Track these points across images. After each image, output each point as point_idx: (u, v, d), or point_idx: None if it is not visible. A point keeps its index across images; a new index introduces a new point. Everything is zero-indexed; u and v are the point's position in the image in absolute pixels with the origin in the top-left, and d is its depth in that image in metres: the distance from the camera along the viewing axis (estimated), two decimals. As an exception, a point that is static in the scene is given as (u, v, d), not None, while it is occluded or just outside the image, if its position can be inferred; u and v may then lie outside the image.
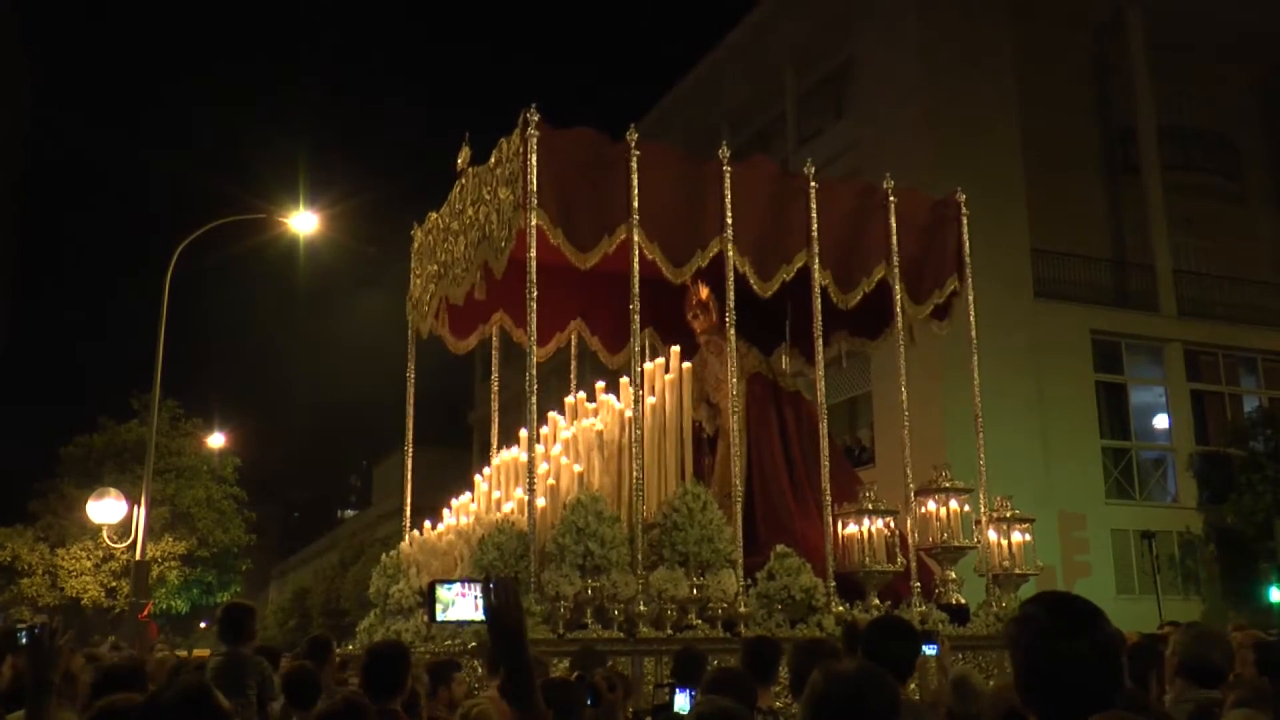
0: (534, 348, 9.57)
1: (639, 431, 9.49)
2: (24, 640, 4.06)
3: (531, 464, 9.24)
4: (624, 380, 9.95)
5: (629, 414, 9.66)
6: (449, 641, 9.01)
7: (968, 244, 11.64)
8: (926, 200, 11.80)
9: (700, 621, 9.09)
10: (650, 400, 10.12)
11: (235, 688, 7.34)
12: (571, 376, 12.69)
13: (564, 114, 9.73)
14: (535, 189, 9.22)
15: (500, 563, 8.83)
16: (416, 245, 12.11)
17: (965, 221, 11.65)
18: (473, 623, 3.15)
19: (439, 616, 3.18)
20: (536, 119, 9.36)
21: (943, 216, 11.67)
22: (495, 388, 12.69)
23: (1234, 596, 24.58)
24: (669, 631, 8.90)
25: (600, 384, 10.71)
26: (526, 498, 9.17)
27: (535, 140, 9.30)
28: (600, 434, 10.09)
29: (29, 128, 53.52)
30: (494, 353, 12.62)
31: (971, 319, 11.60)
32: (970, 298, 11.57)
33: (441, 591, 3.16)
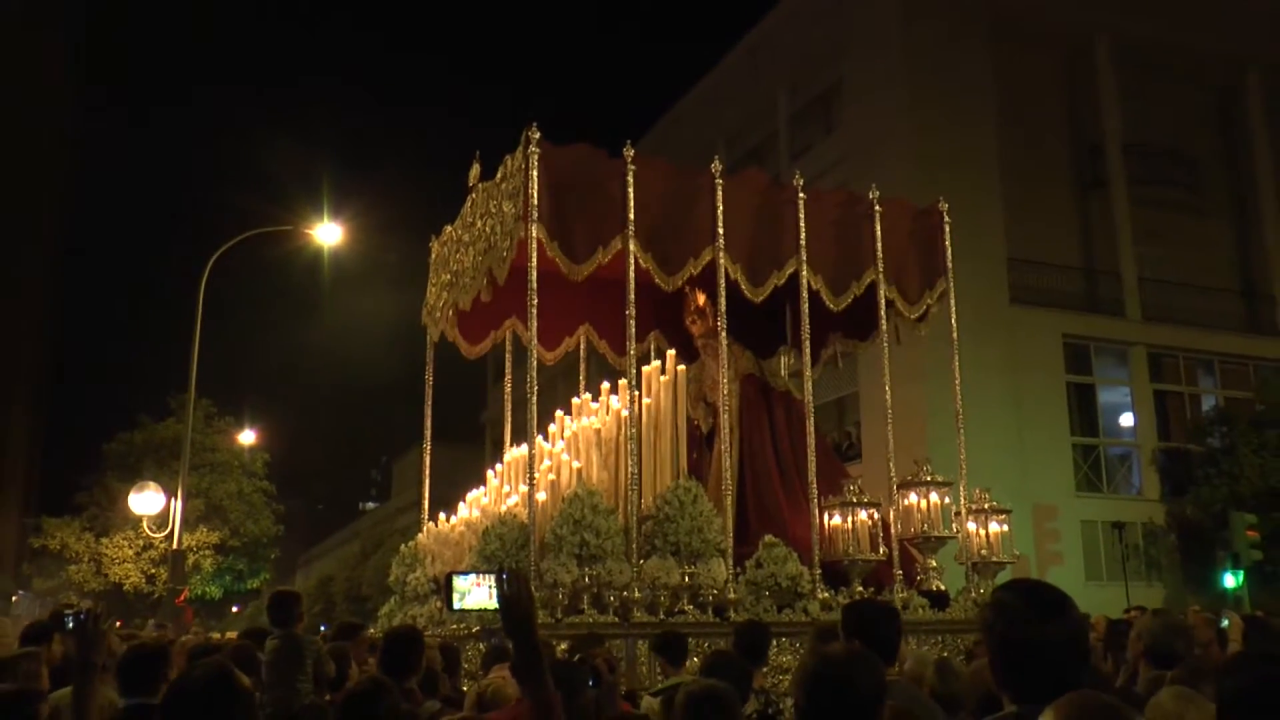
0: (534, 351, 9.46)
1: (634, 430, 9.41)
2: (70, 625, 4.13)
3: (532, 460, 9.13)
4: (622, 382, 9.92)
5: (625, 413, 9.66)
6: (454, 626, 9.00)
7: (950, 250, 11.63)
8: (911, 208, 11.70)
9: (691, 607, 8.99)
10: (646, 400, 10.10)
11: (296, 664, 7.34)
12: (580, 378, 12.65)
13: (571, 133, 9.67)
14: (535, 202, 9.16)
15: (502, 552, 8.74)
16: (433, 256, 12.08)
17: (948, 229, 11.65)
18: (487, 610, 3.16)
19: (456, 605, 3.19)
20: (537, 136, 9.26)
21: (926, 224, 11.61)
22: (508, 388, 12.66)
23: (1193, 582, 24.58)
24: (661, 616, 8.80)
25: (606, 385, 10.67)
26: (528, 491, 9.12)
27: (536, 157, 9.21)
28: (598, 432, 10.00)
29: (76, 146, 53.58)
30: (506, 356, 12.59)
31: (953, 322, 11.57)
32: (952, 302, 11.56)
33: (458, 582, 3.17)
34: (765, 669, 6.84)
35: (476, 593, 3.14)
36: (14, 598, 38.83)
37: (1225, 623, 7.91)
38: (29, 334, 42.88)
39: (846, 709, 2.84)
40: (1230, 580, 21.39)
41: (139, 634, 11.75)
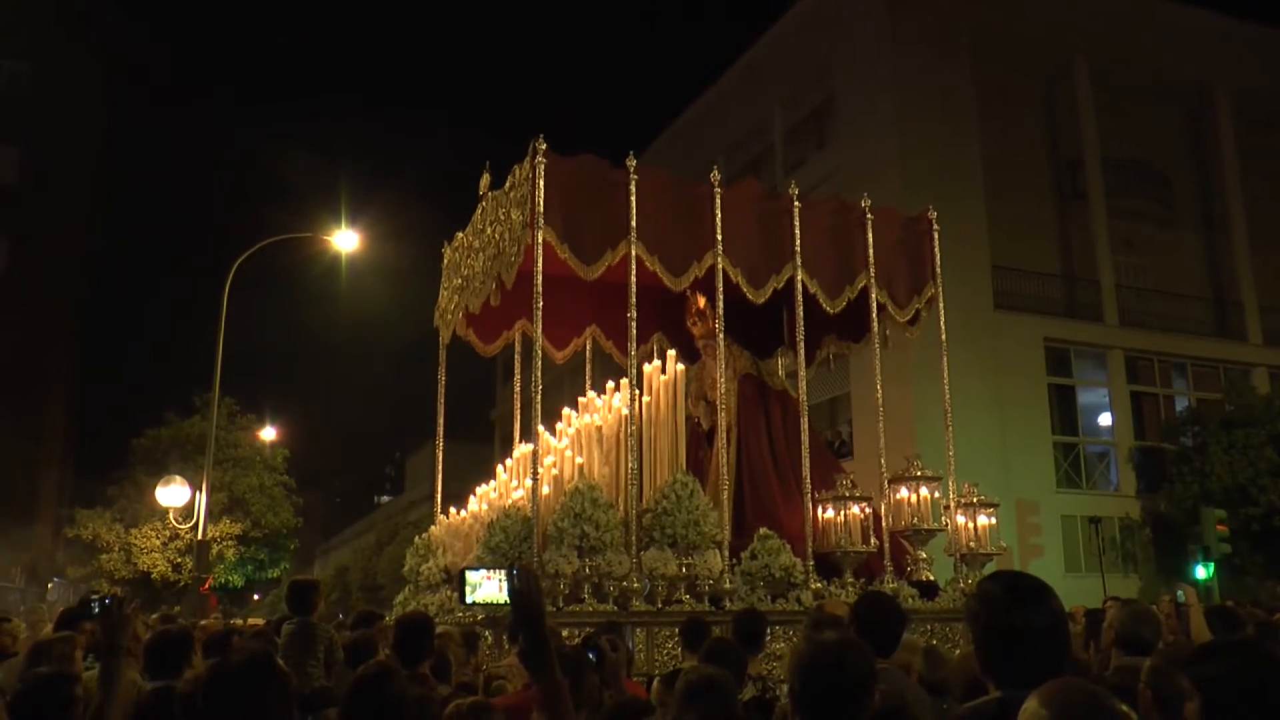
0: (539, 352, 9.39)
1: (634, 427, 9.35)
2: (96, 610, 4.15)
3: (535, 456, 9.10)
4: (623, 380, 9.89)
5: (626, 411, 9.63)
6: (460, 614, 8.97)
7: (938, 257, 11.60)
8: (900, 217, 11.62)
9: (688, 596, 8.94)
10: (646, 399, 10.07)
11: (308, 651, 7.33)
12: (587, 376, 12.65)
13: (577, 147, 9.69)
14: (542, 210, 9.10)
15: (506, 544, 8.71)
16: (446, 262, 12.05)
17: (936, 236, 11.58)
18: (497, 604, 3.15)
19: (468, 598, 3.16)
20: (543, 148, 9.24)
21: (915, 231, 11.54)
22: (516, 387, 12.61)
23: (1166, 574, 24.52)
24: (659, 606, 8.79)
25: (611, 384, 10.66)
26: (531, 486, 9.06)
27: (543, 167, 9.19)
28: (599, 429, 9.94)
29: (110, 158, 53.54)
30: (516, 356, 12.54)
31: (941, 325, 11.53)
32: (940, 307, 11.50)
33: (470, 576, 3.15)
34: (761, 656, 6.81)
35: (487, 586, 3.13)
36: (49, 585, 38.88)
37: (1181, 596, 7.82)
38: (63, 336, 42.92)
39: (838, 694, 2.83)
40: (1201, 572, 21.36)
41: (150, 620, 11.73)
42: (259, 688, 2.95)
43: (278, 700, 2.98)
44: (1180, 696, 2.53)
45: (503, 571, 3.09)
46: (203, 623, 12.10)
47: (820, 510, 10.09)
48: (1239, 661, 2.50)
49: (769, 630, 8.43)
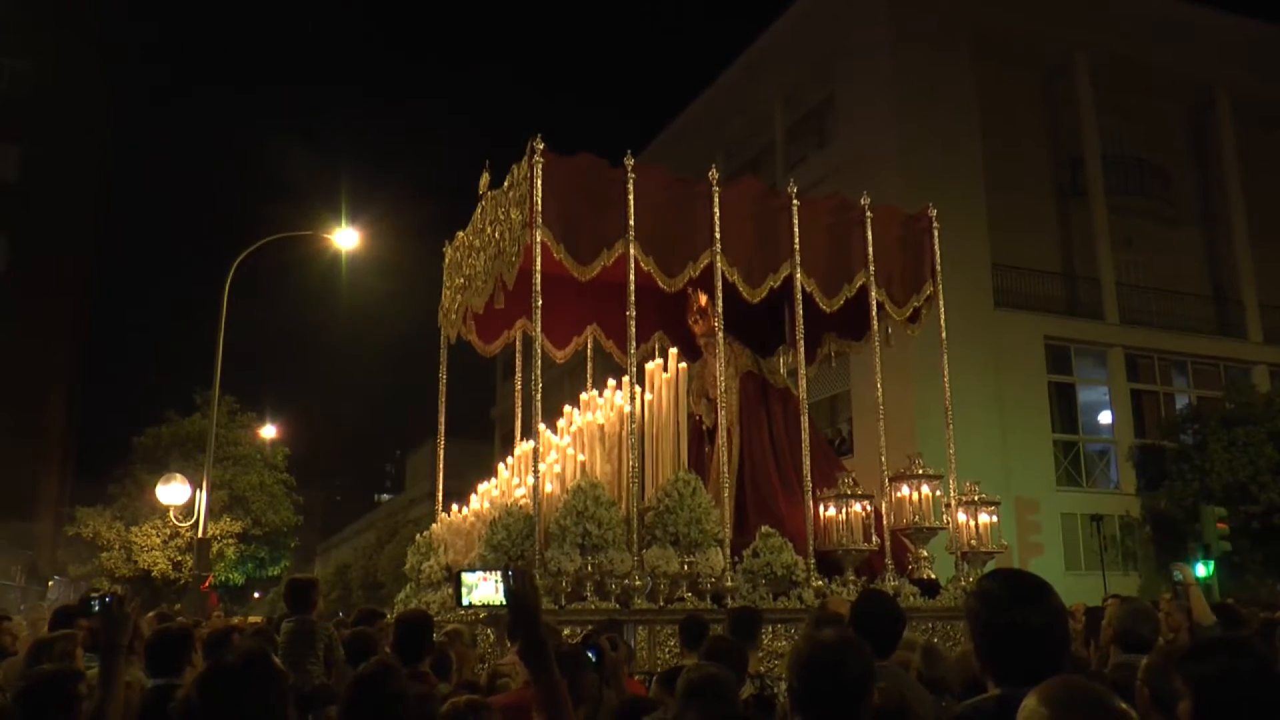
0: (539, 350, 9.40)
1: (635, 425, 9.37)
2: (96, 608, 4.15)
3: (536, 454, 9.07)
4: (625, 378, 9.88)
5: (627, 409, 9.63)
6: (462, 611, 8.98)
7: (938, 254, 11.58)
8: (900, 214, 11.60)
9: (690, 594, 8.93)
10: (648, 397, 10.07)
11: (307, 649, 7.32)
12: (587, 375, 12.64)
13: (577, 146, 9.69)
14: (540, 209, 9.11)
15: (508, 542, 8.71)
16: (447, 261, 12.04)
17: (936, 233, 11.56)
18: (494, 605, 3.15)
19: (464, 600, 3.17)
20: (541, 147, 9.21)
21: (915, 229, 11.52)
22: (517, 386, 12.59)
23: (1166, 572, 24.48)
24: (661, 604, 8.79)
25: (612, 382, 10.64)
26: (533, 484, 9.06)
27: (540, 166, 9.17)
28: (601, 427, 9.91)
29: (110, 156, 53.40)
30: (517, 355, 12.54)
31: (942, 323, 11.51)
32: (941, 305, 11.48)
33: (467, 577, 3.15)
34: (761, 654, 6.81)
35: (484, 587, 3.12)
36: (50, 583, 38.89)
37: (1178, 576, 7.79)
38: (63, 335, 42.91)
39: (838, 692, 2.83)
40: (1201, 570, 21.31)
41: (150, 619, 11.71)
42: (255, 687, 2.95)
43: (274, 699, 2.98)
44: (1178, 695, 2.54)
45: (499, 573, 3.10)
46: (206, 622, 12.10)
47: (822, 508, 10.09)
48: (1230, 660, 2.50)
49: (771, 628, 8.50)
